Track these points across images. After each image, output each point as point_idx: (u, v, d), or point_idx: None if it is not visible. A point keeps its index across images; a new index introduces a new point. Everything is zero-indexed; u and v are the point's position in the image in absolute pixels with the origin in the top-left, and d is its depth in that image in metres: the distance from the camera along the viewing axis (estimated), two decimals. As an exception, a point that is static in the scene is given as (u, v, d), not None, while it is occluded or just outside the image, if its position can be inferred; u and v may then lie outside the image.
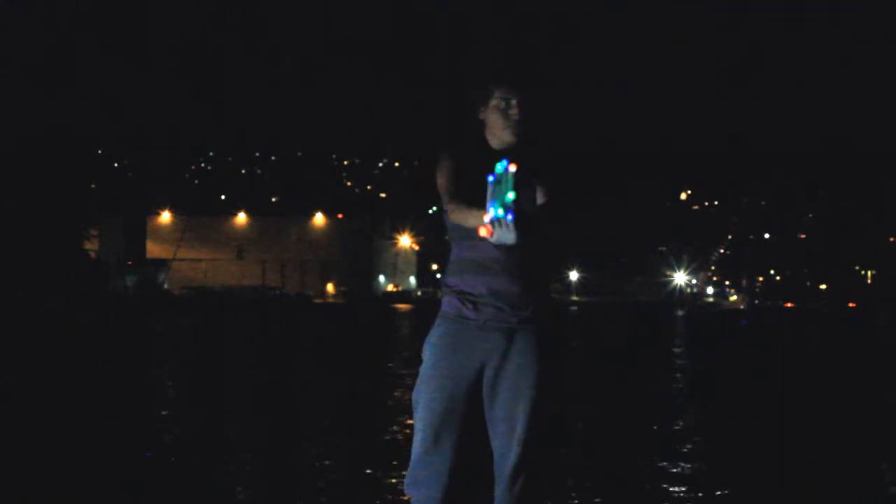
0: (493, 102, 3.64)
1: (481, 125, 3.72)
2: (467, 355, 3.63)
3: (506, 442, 3.61)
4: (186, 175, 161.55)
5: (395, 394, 11.77)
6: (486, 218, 3.19)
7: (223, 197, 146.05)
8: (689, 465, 7.24)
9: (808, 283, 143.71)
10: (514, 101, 3.60)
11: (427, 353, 3.69)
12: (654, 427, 9.40)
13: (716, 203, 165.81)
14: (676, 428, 9.35)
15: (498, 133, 3.66)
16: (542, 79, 3.61)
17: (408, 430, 8.55)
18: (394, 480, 6.34)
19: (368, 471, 6.71)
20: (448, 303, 3.70)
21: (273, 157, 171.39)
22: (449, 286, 3.70)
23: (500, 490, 3.63)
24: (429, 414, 3.62)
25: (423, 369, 3.69)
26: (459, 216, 3.53)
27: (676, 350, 24.09)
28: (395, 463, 6.92)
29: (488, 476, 3.70)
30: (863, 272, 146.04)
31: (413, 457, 3.66)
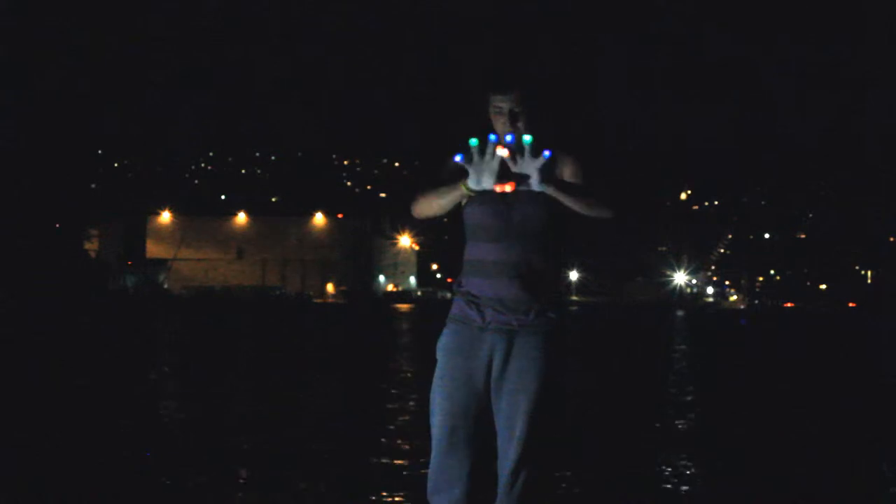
0: (491, 109, 3.66)
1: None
2: (472, 358, 3.65)
3: (506, 442, 3.64)
4: (186, 175, 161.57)
5: (396, 392, 11.78)
6: (503, 151, 3.33)
7: (223, 197, 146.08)
8: (689, 465, 7.24)
9: (808, 283, 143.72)
10: (506, 109, 3.62)
11: (438, 356, 3.74)
12: (656, 426, 9.40)
13: (716, 203, 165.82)
14: (677, 428, 9.35)
15: (500, 137, 3.68)
16: (536, 83, 3.61)
17: (407, 428, 8.55)
18: (401, 478, 6.35)
19: (373, 463, 6.71)
20: (456, 304, 3.75)
21: (273, 157, 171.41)
22: (458, 287, 3.75)
23: (501, 489, 3.65)
24: (440, 418, 3.66)
25: (435, 373, 3.73)
26: (426, 202, 3.61)
27: (676, 350, 24.08)
28: (398, 460, 6.93)
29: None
30: (863, 272, 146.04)
31: (431, 463, 3.68)
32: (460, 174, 3.55)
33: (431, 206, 3.63)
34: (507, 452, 3.62)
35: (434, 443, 3.66)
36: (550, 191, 3.45)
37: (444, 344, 3.72)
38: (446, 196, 3.59)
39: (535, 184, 3.41)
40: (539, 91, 3.62)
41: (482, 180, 3.43)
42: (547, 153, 3.34)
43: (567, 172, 3.64)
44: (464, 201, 3.67)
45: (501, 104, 3.62)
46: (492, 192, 3.55)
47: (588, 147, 3.68)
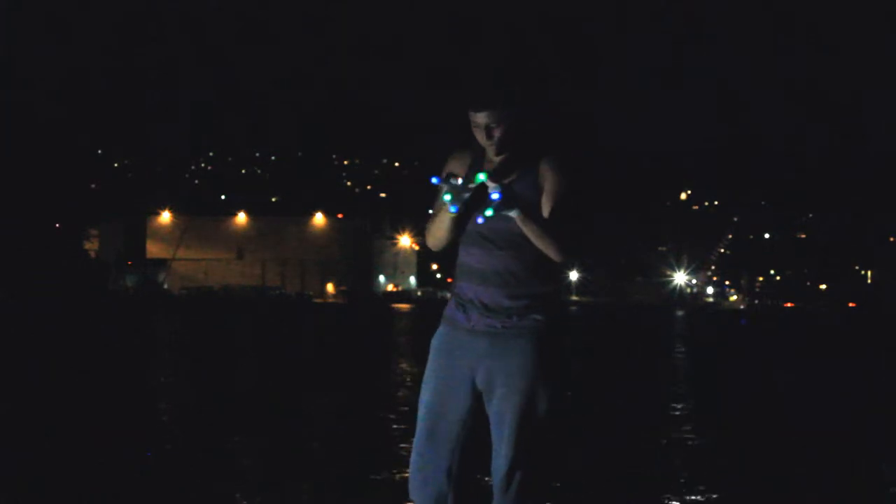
0: (471, 122, 3.69)
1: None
2: (458, 359, 3.71)
3: (499, 444, 3.68)
4: (186, 175, 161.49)
5: (396, 392, 11.78)
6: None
7: (223, 197, 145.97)
8: (690, 465, 7.24)
9: (808, 283, 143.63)
10: (483, 124, 3.64)
11: (429, 354, 3.81)
12: (656, 426, 9.40)
13: (716, 203, 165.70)
14: (677, 429, 9.35)
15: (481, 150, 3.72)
16: (514, 98, 3.63)
17: (406, 428, 8.55)
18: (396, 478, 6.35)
19: (371, 472, 6.71)
20: (449, 306, 3.83)
21: (273, 157, 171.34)
22: (453, 288, 3.83)
23: (496, 491, 3.68)
24: (423, 415, 3.73)
25: (425, 371, 3.80)
26: (431, 234, 3.73)
27: (676, 350, 24.09)
28: (395, 461, 6.93)
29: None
30: (863, 272, 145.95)
31: (411, 459, 3.75)
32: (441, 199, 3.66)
33: (439, 237, 3.72)
34: (500, 454, 3.67)
35: (415, 439, 3.72)
36: (514, 215, 3.53)
37: (435, 343, 3.80)
38: (441, 224, 3.68)
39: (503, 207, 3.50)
40: (518, 106, 3.64)
41: (462, 201, 3.53)
42: (497, 196, 3.44)
43: (547, 185, 3.65)
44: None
45: (479, 120, 3.65)
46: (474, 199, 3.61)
47: (576, 155, 3.72)
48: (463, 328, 3.70)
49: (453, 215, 3.59)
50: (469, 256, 3.71)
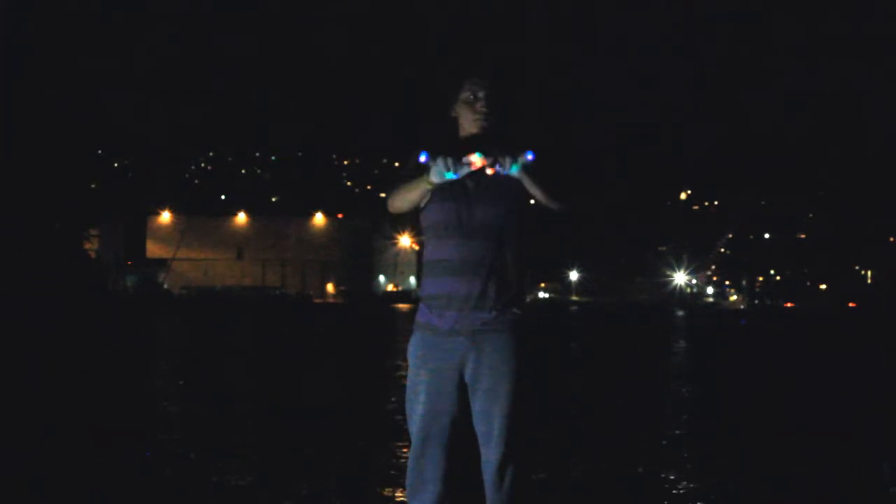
0: (463, 95, 3.69)
1: (455, 126, 3.77)
2: (441, 363, 3.72)
3: (487, 442, 3.71)
4: (186, 175, 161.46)
5: (395, 391, 11.78)
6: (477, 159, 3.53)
7: (223, 197, 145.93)
8: (690, 465, 7.24)
9: (808, 283, 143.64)
10: (481, 94, 3.65)
11: (409, 362, 3.84)
12: (656, 426, 9.39)
13: (716, 203, 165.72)
14: (677, 428, 9.35)
15: (466, 126, 3.71)
16: (512, 72, 3.68)
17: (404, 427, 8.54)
18: (393, 479, 6.35)
19: (370, 477, 6.71)
20: (420, 310, 3.83)
21: (273, 157, 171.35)
22: (422, 290, 3.82)
23: (489, 489, 3.71)
24: (414, 424, 3.78)
25: (407, 379, 3.84)
26: (397, 196, 3.72)
27: (676, 350, 24.08)
28: (394, 465, 6.93)
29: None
30: (863, 272, 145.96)
31: (408, 466, 3.80)
32: (422, 169, 3.64)
33: (402, 200, 3.72)
34: (490, 452, 3.69)
35: (411, 447, 3.78)
36: (520, 174, 3.53)
37: (413, 351, 3.80)
38: (413, 190, 3.67)
39: (508, 166, 3.51)
40: (514, 81, 3.70)
41: (443, 173, 3.53)
42: (530, 155, 3.48)
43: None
44: (423, 202, 3.72)
45: (475, 89, 3.66)
46: (451, 189, 3.63)
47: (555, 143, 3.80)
48: (441, 331, 3.71)
49: (433, 185, 3.59)
50: (445, 250, 3.70)
